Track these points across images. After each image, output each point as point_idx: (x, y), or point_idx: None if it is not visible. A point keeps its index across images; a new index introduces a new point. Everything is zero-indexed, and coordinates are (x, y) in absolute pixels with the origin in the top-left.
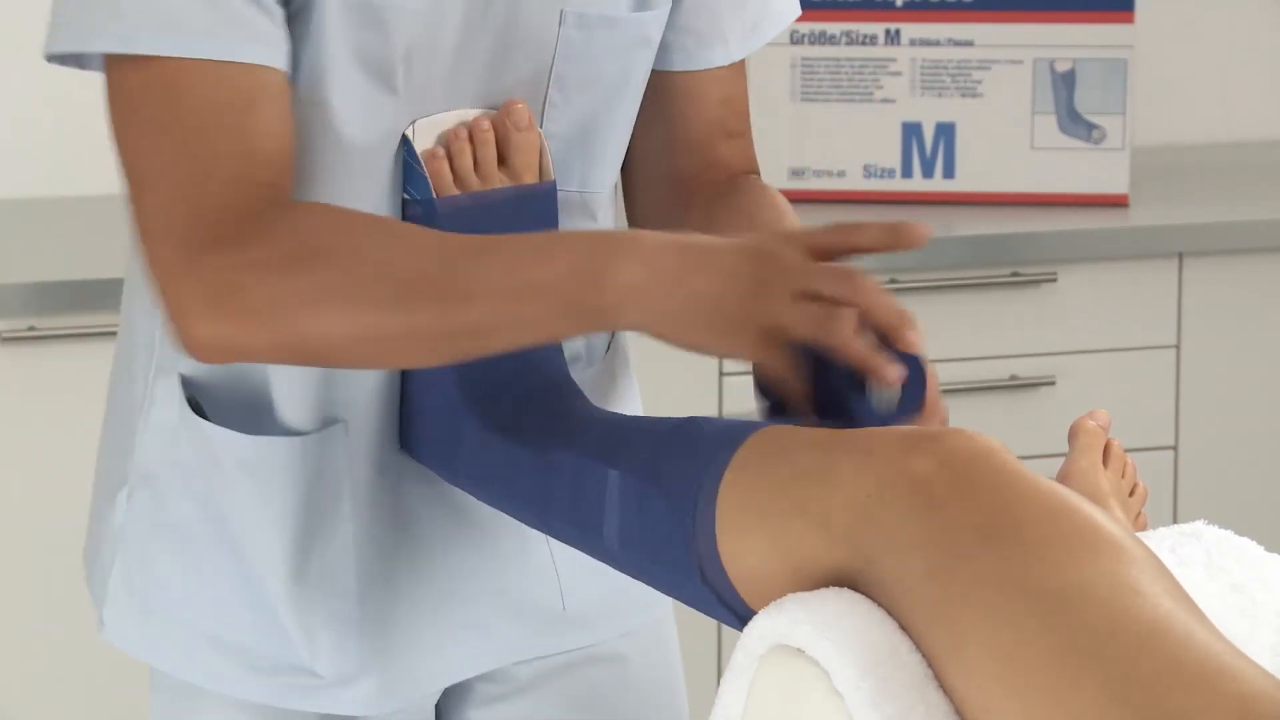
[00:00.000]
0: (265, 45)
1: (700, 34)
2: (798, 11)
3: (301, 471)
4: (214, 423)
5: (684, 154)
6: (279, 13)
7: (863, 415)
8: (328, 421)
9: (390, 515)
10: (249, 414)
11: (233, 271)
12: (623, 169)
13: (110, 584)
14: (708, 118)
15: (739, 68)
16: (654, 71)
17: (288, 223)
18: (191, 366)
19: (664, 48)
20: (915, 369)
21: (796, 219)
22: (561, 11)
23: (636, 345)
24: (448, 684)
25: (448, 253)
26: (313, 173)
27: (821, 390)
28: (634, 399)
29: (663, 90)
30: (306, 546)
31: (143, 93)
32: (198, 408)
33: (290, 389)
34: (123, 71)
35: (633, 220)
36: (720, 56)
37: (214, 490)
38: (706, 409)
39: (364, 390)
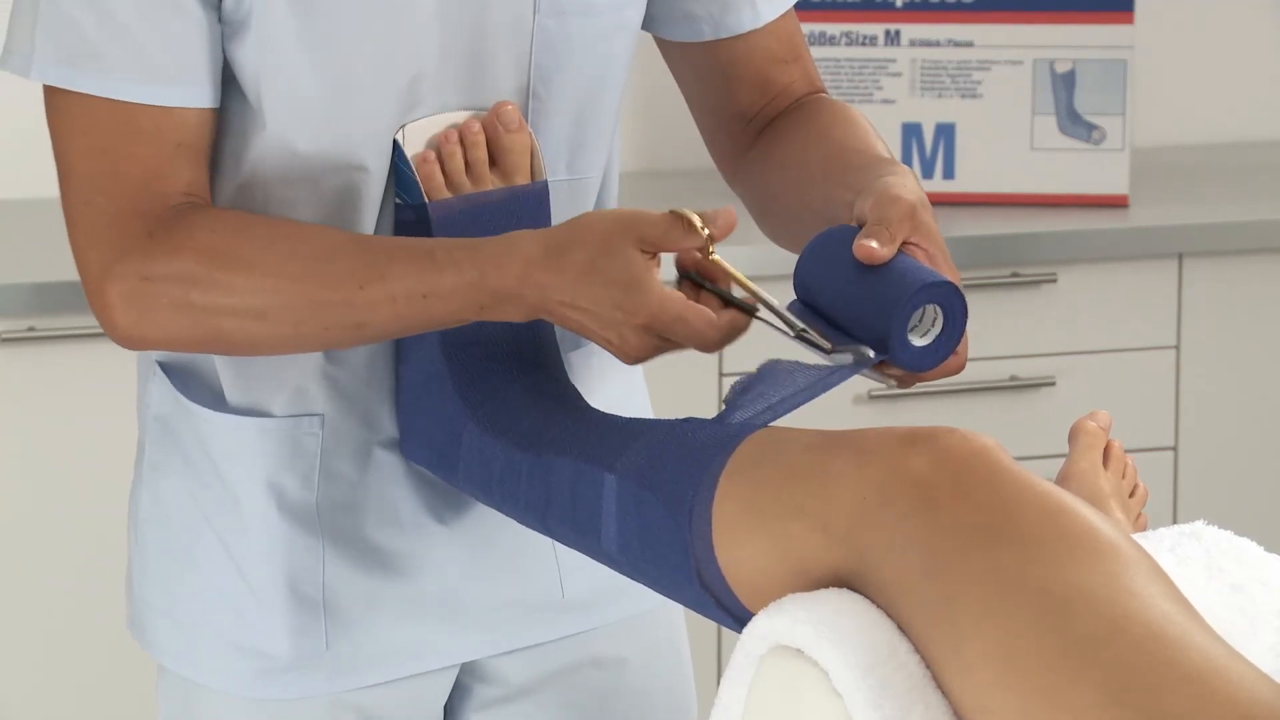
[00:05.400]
0: (186, 88)
1: (726, 2)
2: None
3: (275, 456)
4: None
5: (744, 94)
6: (205, 45)
7: (897, 345)
8: (305, 411)
9: (373, 514)
10: (220, 398)
11: (141, 279)
12: (699, 125)
13: (128, 578)
14: (760, 61)
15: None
16: (688, 44)
17: (193, 229)
18: (165, 355)
19: (691, 19)
20: (955, 302)
21: (868, 132)
22: (535, 1)
23: None
24: (432, 668)
25: (343, 258)
26: (307, 175)
27: (855, 315)
28: (630, 385)
29: (706, 56)
30: (277, 534)
31: (74, 118)
32: (191, 394)
33: (268, 377)
34: (59, 95)
35: (720, 165)
36: (749, 20)
37: (200, 476)
38: (706, 408)
39: (348, 384)
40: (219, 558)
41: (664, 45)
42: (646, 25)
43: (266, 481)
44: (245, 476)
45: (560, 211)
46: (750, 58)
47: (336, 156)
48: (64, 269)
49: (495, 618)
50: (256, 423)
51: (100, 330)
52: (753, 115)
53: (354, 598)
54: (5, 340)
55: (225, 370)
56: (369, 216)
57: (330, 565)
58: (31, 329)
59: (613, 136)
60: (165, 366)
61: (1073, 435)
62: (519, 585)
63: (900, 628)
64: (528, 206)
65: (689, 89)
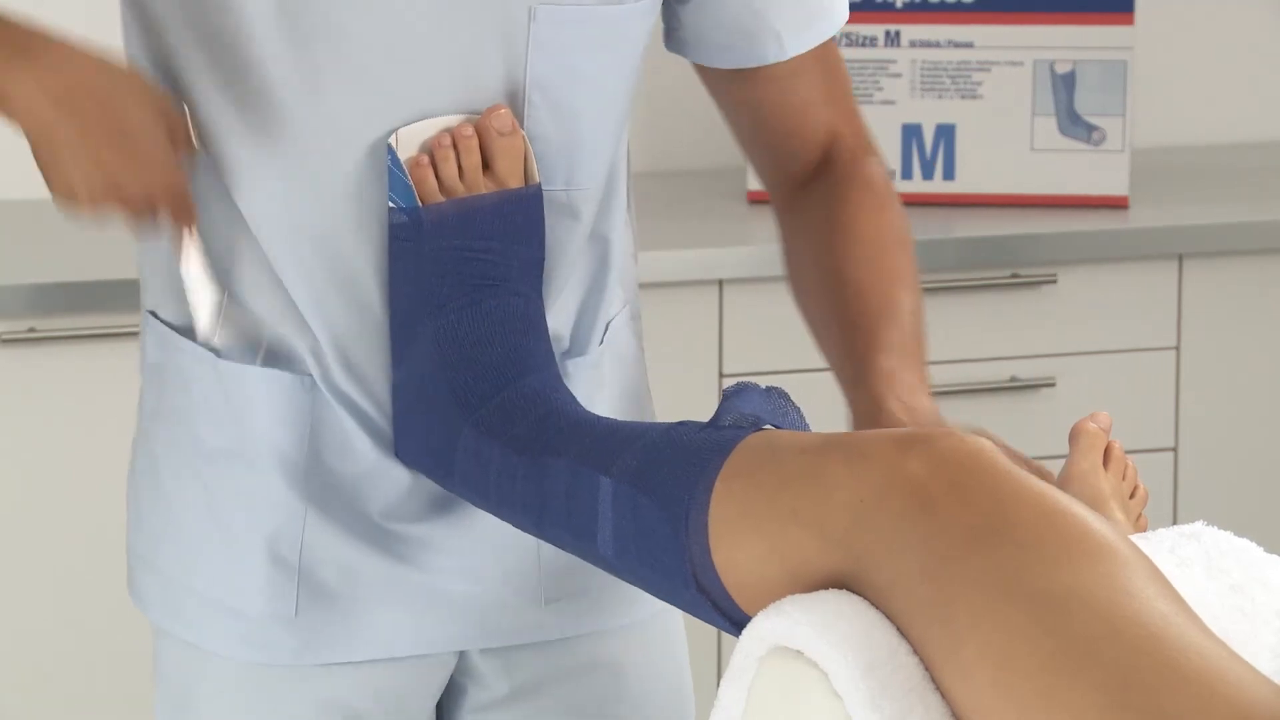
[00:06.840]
0: None
1: (750, 32)
2: (846, 14)
3: (265, 406)
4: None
5: (774, 131)
6: None
7: None
8: (294, 365)
9: (362, 489)
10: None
11: None
12: (744, 153)
13: (126, 535)
14: (787, 98)
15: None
16: (719, 70)
17: None
18: (155, 303)
19: (719, 48)
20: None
21: (888, 221)
22: (530, 8)
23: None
24: (403, 654)
25: None
26: (301, 177)
27: None
28: (633, 396)
29: (737, 86)
30: (261, 488)
31: None
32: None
33: (250, 326)
34: None
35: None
36: (774, 53)
37: (190, 425)
38: (706, 409)
39: (338, 343)
40: (201, 509)
41: (698, 68)
42: (675, 48)
43: (255, 433)
44: (233, 426)
45: (555, 221)
46: (778, 92)
47: (326, 149)
48: (64, 269)
49: (474, 611)
50: (251, 370)
51: (100, 331)
52: (787, 155)
53: (331, 569)
54: (5, 340)
55: (222, 311)
56: (360, 214)
57: (311, 531)
58: (32, 329)
59: (617, 149)
60: (158, 314)
61: (1073, 436)
62: (501, 580)
63: (899, 629)
64: (521, 210)
65: (726, 116)
